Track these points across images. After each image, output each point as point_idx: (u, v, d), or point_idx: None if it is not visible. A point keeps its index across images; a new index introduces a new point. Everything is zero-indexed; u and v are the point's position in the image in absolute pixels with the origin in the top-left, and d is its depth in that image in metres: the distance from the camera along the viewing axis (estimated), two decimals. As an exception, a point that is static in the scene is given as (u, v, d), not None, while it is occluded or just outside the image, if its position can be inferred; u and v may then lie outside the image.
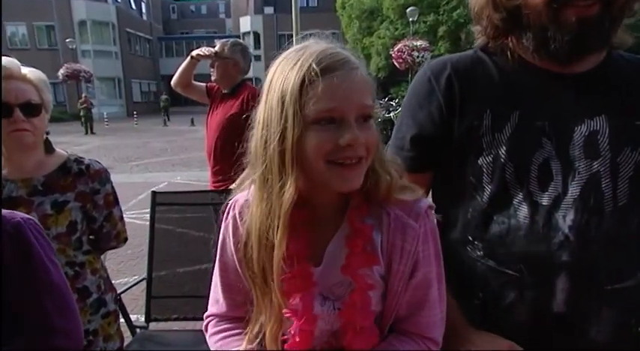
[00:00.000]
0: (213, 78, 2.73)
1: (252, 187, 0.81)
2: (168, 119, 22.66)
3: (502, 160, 0.87)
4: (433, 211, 0.84)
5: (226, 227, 0.87)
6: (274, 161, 0.75)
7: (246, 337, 0.85)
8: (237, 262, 0.85)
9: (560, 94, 0.88)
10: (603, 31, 0.82)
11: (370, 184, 0.79)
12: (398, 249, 0.79)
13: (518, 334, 0.87)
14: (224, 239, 0.88)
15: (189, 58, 2.75)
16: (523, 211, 0.86)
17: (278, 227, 0.76)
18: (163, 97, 24.57)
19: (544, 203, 0.84)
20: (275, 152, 0.75)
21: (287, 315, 0.80)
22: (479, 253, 0.90)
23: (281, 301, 0.79)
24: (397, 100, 11.45)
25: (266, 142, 0.76)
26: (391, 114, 8.16)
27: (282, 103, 0.73)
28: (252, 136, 0.79)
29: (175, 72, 2.86)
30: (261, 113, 0.77)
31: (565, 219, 0.83)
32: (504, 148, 0.87)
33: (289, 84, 0.73)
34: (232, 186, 0.89)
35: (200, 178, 7.55)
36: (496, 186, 0.87)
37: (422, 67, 1.03)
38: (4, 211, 0.91)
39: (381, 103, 10.69)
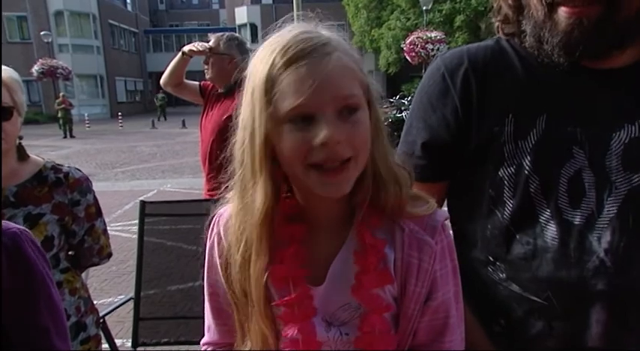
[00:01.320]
0: (207, 76, 2.75)
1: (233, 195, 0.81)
2: (165, 119, 22.95)
3: (526, 171, 0.84)
4: (449, 223, 0.83)
5: (211, 245, 0.86)
6: (247, 165, 0.75)
7: None
8: (224, 284, 0.84)
9: (595, 94, 0.84)
10: (607, 35, 0.78)
11: (375, 193, 0.76)
12: (414, 268, 0.77)
13: None
14: (210, 259, 0.87)
15: (180, 54, 2.77)
16: (551, 230, 0.83)
17: (252, 240, 0.75)
18: (160, 95, 25.05)
19: (576, 222, 0.81)
20: (247, 155, 0.75)
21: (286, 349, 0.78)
22: (501, 275, 0.88)
23: (265, 329, 0.78)
24: (409, 98, 11.46)
25: (242, 143, 0.76)
26: (403, 114, 8.17)
27: (252, 102, 0.73)
28: (234, 138, 0.80)
29: (164, 68, 2.88)
30: (240, 111, 0.78)
31: (600, 241, 0.80)
32: (529, 158, 0.83)
33: (255, 81, 0.72)
34: (229, 195, 0.88)
35: (193, 185, 7.58)
36: (519, 201, 0.85)
37: (434, 60, 0.99)
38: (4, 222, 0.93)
39: (391, 102, 10.70)
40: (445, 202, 1.04)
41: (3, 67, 1.28)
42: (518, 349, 0.88)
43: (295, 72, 0.68)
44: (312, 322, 0.78)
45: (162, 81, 2.90)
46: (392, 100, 11.06)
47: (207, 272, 0.88)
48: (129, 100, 35.12)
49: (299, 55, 0.69)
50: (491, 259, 0.90)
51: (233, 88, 2.70)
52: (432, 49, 14.97)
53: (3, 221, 0.93)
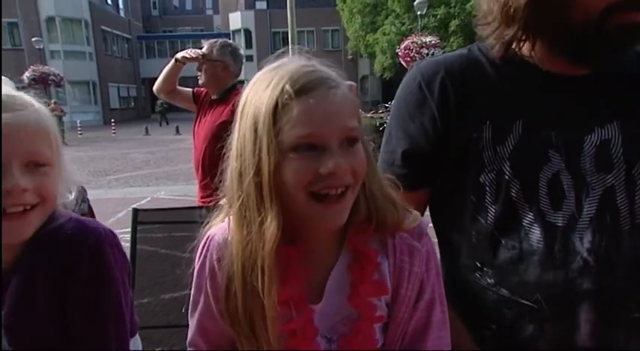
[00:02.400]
0: (200, 82, 2.76)
1: (231, 223, 0.80)
2: (167, 123, 23.16)
3: (507, 176, 0.86)
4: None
5: (201, 268, 0.85)
6: (251, 196, 0.75)
7: None
8: (217, 313, 0.83)
9: (566, 99, 0.87)
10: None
11: (374, 214, 0.79)
12: (406, 273, 0.80)
13: None
14: (199, 281, 0.86)
15: (173, 60, 2.78)
16: (535, 233, 0.85)
17: (263, 271, 0.75)
18: (159, 101, 25.20)
19: (559, 224, 0.83)
20: (251, 186, 0.74)
21: None
22: (489, 280, 0.90)
23: (273, 344, 0.77)
24: (405, 103, 11.52)
25: (241, 175, 0.76)
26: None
27: (255, 130, 0.73)
28: (227, 167, 0.80)
29: (157, 74, 2.89)
30: (234, 142, 0.78)
31: (582, 241, 0.82)
32: (508, 163, 0.86)
33: (261, 109, 0.73)
34: (222, 202, 0.88)
35: (187, 192, 7.56)
36: (502, 206, 0.87)
37: (410, 70, 1.01)
38: (84, 219, 0.93)
39: (386, 107, 10.75)
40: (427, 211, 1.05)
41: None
42: None
43: (305, 102, 0.71)
44: (315, 342, 0.80)
45: (155, 88, 2.91)
46: (387, 105, 11.11)
47: (195, 292, 0.87)
48: (122, 107, 35.11)
49: (309, 86, 0.72)
50: (478, 265, 0.91)
51: (226, 95, 2.72)
52: (427, 54, 15.07)
53: (91, 220, 0.94)
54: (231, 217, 0.80)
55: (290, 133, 0.71)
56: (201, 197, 2.72)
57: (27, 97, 0.87)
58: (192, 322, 0.90)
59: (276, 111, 0.72)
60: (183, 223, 2.31)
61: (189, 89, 2.93)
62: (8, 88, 0.87)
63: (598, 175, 0.83)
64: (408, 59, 15.53)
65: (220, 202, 0.89)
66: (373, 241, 0.81)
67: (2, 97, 0.81)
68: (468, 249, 0.93)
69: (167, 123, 24.10)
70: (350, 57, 30.86)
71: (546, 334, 0.85)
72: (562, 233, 0.83)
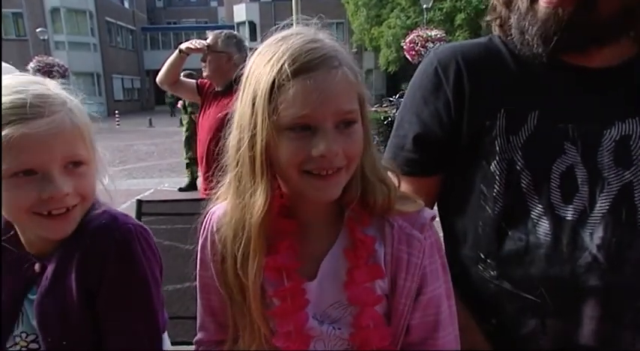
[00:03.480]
0: (205, 74, 2.75)
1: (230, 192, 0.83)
2: (174, 114, 23.35)
3: (518, 166, 0.85)
4: (438, 220, 0.86)
5: (204, 242, 0.88)
6: (245, 166, 0.78)
7: None
8: (215, 279, 0.86)
9: (587, 92, 0.85)
10: (583, 29, 0.80)
11: (364, 194, 0.80)
12: (403, 263, 0.80)
13: None
14: (202, 256, 0.89)
15: (177, 51, 2.78)
16: (543, 226, 0.84)
17: (248, 240, 0.78)
18: (169, 93, 24.94)
19: (568, 218, 0.82)
20: (246, 156, 0.77)
21: (278, 343, 0.80)
22: (492, 272, 0.89)
23: (259, 323, 0.80)
24: (410, 97, 11.46)
25: (239, 144, 0.78)
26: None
27: (253, 105, 0.75)
28: (230, 134, 0.82)
29: (161, 66, 2.88)
30: (237, 110, 0.80)
31: (593, 237, 0.81)
32: (520, 153, 0.85)
33: (260, 85, 0.74)
34: (218, 195, 0.90)
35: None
36: (511, 196, 0.86)
37: (427, 56, 1.00)
38: (117, 213, 0.94)
39: (391, 100, 10.71)
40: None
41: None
42: (511, 349, 0.89)
43: (303, 82, 0.71)
44: (304, 313, 0.80)
45: (158, 79, 2.91)
46: (392, 98, 11.07)
47: (200, 269, 0.90)
48: (126, 99, 35.10)
49: (308, 66, 0.71)
50: (481, 256, 0.90)
51: (231, 87, 2.70)
52: (433, 48, 14.94)
53: (123, 214, 0.94)
54: (230, 183, 0.82)
55: (285, 113, 0.72)
56: (205, 189, 2.72)
57: (59, 96, 0.85)
58: (200, 302, 0.92)
59: (273, 89, 0.72)
60: (187, 214, 2.31)
61: (193, 80, 2.92)
62: (45, 87, 0.85)
63: (616, 171, 0.82)
64: (413, 53, 15.44)
65: (220, 192, 0.90)
66: (370, 228, 0.81)
67: (34, 98, 0.81)
68: (473, 239, 0.92)
69: (173, 114, 24.28)
70: (354, 50, 30.70)
71: (548, 329, 0.84)
72: (571, 227, 0.82)
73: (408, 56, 16.10)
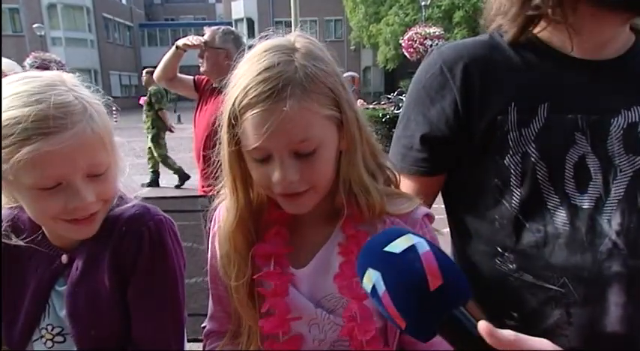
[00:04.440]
0: (202, 70, 2.74)
1: None
2: (175, 111, 23.38)
3: (533, 158, 0.85)
4: (431, 221, 0.87)
5: (213, 235, 0.92)
6: (227, 181, 0.84)
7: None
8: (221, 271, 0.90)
9: (591, 83, 0.87)
10: None
11: (351, 199, 0.82)
12: None
13: None
14: (212, 248, 0.92)
15: (174, 47, 2.76)
16: (561, 216, 0.84)
17: (229, 239, 0.84)
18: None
19: (584, 206, 0.83)
20: (225, 169, 0.83)
21: (260, 324, 0.83)
22: (511, 266, 0.89)
23: (244, 309, 0.85)
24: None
25: (221, 156, 0.84)
26: (401, 110, 8.15)
27: (221, 128, 0.80)
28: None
29: (158, 63, 2.88)
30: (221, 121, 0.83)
31: (611, 224, 0.82)
32: (534, 145, 0.85)
33: (224, 112, 0.78)
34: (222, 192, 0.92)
35: (189, 182, 7.56)
36: (527, 189, 0.86)
37: (430, 54, 1.00)
38: (148, 205, 0.95)
39: (389, 98, 10.71)
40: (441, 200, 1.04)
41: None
42: None
43: (253, 116, 0.73)
44: (287, 297, 0.83)
45: (155, 75, 2.90)
46: (390, 96, 11.07)
47: (210, 260, 0.94)
48: (123, 95, 34.97)
49: (257, 100, 0.72)
50: (499, 250, 0.90)
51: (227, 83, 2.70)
52: (431, 45, 14.93)
53: (153, 207, 0.96)
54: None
55: (243, 143, 0.77)
56: (203, 186, 2.72)
57: (80, 101, 0.83)
58: (210, 292, 0.96)
59: (230, 123, 0.76)
60: (185, 212, 2.32)
61: (190, 77, 2.91)
62: (65, 89, 0.82)
63: (627, 157, 0.83)
64: (412, 50, 15.43)
65: (222, 191, 0.92)
66: (364, 225, 0.83)
67: (56, 108, 0.79)
68: (489, 234, 0.92)
69: (175, 111, 24.32)
70: (353, 47, 30.69)
71: (574, 319, 0.84)
72: (588, 216, 0.83)
73: (406, 54, 16.08)
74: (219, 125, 0.84)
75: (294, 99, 0.72)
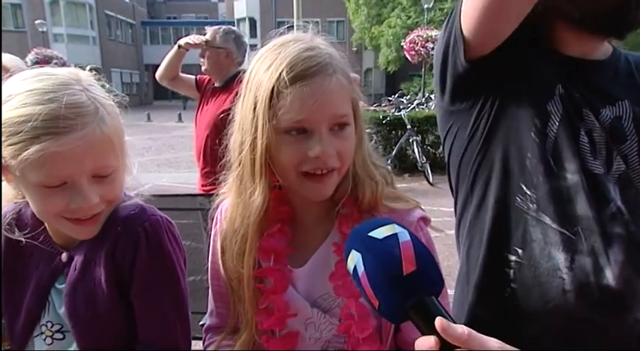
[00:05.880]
0: (203, 69, 2.75)
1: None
2: (184, 108, 23.23)
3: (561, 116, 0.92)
4: (426, 224, 0.89)
5: (215, 233, 0.94)
6: (246, 167, 0.84)
7: (236, 346, 0.90)
8: (222, 268, 0.92)
9: (584, 77, 0.95)
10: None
11: (354, 189, 0.84)
12: None
13: (554, 306, 0.89)
14: (214, 245, 0.94)
15: (176, 47, 2.78)
16: (581, 176, 0.90)
17: (245, 238, 0.84)
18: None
19: (596, 172, 0.90)
20: (247, 158, 0.83)
21: (258, 318, 0.85)
22: (531, 205, 0.93)
23: (248, 305, 0.85)
24: (409, 97, 11.49)
25: (241, 145, 0.84)
26: (402, 112, 8.16)
27: (254, 109, 0.80)
28: (232, 134, 0.86)
29: (160, 61, 2.89)
30: (238, 112, 0.84)
31: (616, 191, 0.89)
32: (562, 107, 0.92)
33: (260, 91, 0.79)
34: (223, 191, 0.94)
35: (188, 180, 7.55)
36: (561, 137, 0.91)
37: None
38: (144, 204, 0.95)
39: (390, 100, 10.72)
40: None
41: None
42: (532, 282, 0.92)
43: (299, 89, 0.76)
44: (285, 294, 0.85)
45: (157, 75, 2.91)
46: (390, 98, 11.08)
47: (211, 257, 0.95)
48: (125, 93, 34.45)
49: (304, 74, 0.76)
50: (523, 187, 0.94)
51: (230, 82, 2.71)
52: (433, 48, 14.95)
53: (150, 206, 0.95)
54: (233, 180, 0.88)
55: (283, 118, 0.77)
56: (203, 185, 2.72)
57: (93, 102, 0.83)
58: (210, 289, 0.97)
59: (272, 96, 0.77)
60: (185, 210, 2.32)
61: (192, 76, 2.92)
62: (79, 89, 0.82)
63: (613, 145, 0.92)
64: (413, 53, 15.42)
65: (223, 189, 0.94)
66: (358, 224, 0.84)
67: (67, 109, 0.79)
68: (518, 169, 0.95)
69: (184, 108, 24.16)
70: (354, 49, 30.70)
71: (575, 265, 0.88)
72: (600, 180, 0.89)
73: (407, 56, 16.08)
74: (228, 123, 0.86)
75: (336, 76, 0.79)
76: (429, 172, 7.35)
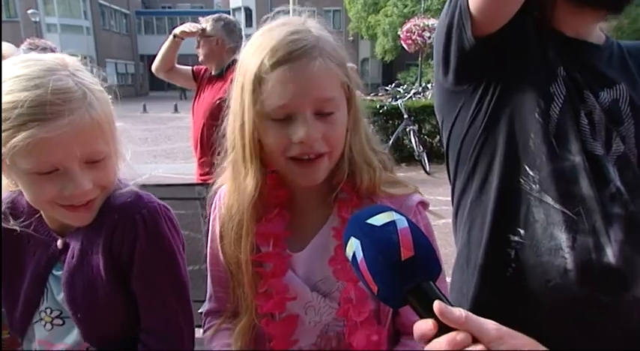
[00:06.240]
0: (200, 59, 2.75)
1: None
2: (185, 97, 23.04)
3: (564, 98, 0.94)
4: (425, 209, 0.89)
5: (214, 218, 0.94)
6: (239, 151, 0.84)
7: (236, 330, 0.91)
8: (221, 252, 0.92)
9: (583, 59, 0.97)
10: None
11: (351, 175, 0.84)
12: None
13: (555, 285, 0.91)
14: (213, 230, 0.94)
15: (171, 36, 2.76)
16: (583, 154, 0.91)
17: (241, 223, 0.84)
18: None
19: (596, 152, 0.92)
20: (239, 142, 0.83)
21: (257, 302, 0.86)
22: (534, 186, 0.94)
23: (250, 294, 0.86)
24: (405, 86, 11.45)
25: (233, 130, 0.85)
26: (399, 101, 8.14)
27: (241, 94, 0.80)
28: (227, 121, 0.87)
29: (156, 51, 2.88)
30: (231, 98, 0.85)
31: (615, 172, 0.91)
32: (566, 89, 0.93)
33: (245, 76, 0.79)
34: (223, 175, 0.93)
35: (185, 171, 7.54)
36: (564, 119, 0.93)
37: None
38: (141, 193, 0.95)
39: (386, 90, 10.68)
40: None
41: None
42: (534, 262, 0.93)
43: (281, 74, 0.75)
44: (284, 277, 0.85)
45: (153, 67, 2.89)
46: (387, 88, 11.03)
47: (210, 243, 0.96)
48: (120, 83, 34.71)
49: (285, 58, 0.75)
50: (526, 168, 0.95)
51: (225, 71, 2.70)
52: (429, 37, 14.90)
53: (146, 193, 0.95)
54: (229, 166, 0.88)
55: (267, 103, 0.77)
56: (200, 175, 2.73)
57: (80, 87, 0.82)
58: (209, 273, 0.98)
59: (255, 81, 0.77)
60: (182, 199, 2.32)
61: (189, 67, 2.91)
62: (66, 74, 0.81)
63: (613, 126, 0.94)
64: (410, 42, 15.36)
65: (221, 176, 0.94)
66: (358, 209, 0.84)
67: (54, 94, 0.78)
68: (521, 150, 0.96)
69: (185, 97, 23.89)
70: (351, 38, 30.52)
71: (577, 245, 0.90)
72: (599, 161, 0.91)
73: (404, 45, 16.02)
74: (224, 109, 0.86)
75: (320, 59, 0.77)
76: (426, 161, 7.35)
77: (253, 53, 0.79)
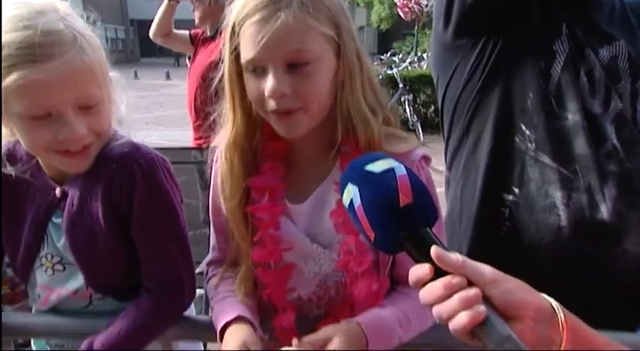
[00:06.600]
0: (196, 22, 2.71)
1: None
2: (179, 64, 22.65)
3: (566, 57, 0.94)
4: (428, 163, 0.90)
5: (215, 170, 0.96)
6: (227, 99, 0.86)
7: (237, 277, 0.93)
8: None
9: (585, 14, 0.96)
10: None
11: (349, 131, 0.84)
12: None
13: (548, 241, 0.93)
14: (215, 181, 0.96)
15: (166, 1, 2.71)
16: (581, 114, 0.92)
17: (228, 163, 0.87)
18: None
19: (594, 111, 0.93)
20: (227, 87, 0.85)
21: (252, 252, 0.88)
22: (530, 145, 0.95)
23: (240, 240, 0.88)
24: (401, 56, 11.32)
25: (221, 78, 0.87)
26: (394, 70, 8.07)
27: (224, 46, 0.82)
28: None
29: (147, 16, 2.85)
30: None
31: (612, 130, 0.92)
32: (569, 46, 0.94)
33: (226, 29, 0.80)
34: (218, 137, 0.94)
35: (180, 138, 7.47)
36: (564, 77, 0.93)
37: None
38: (138, 143, 0.95)
39: (382, 59, 10.57)
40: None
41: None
42: (528, 220, 0.96)
43: (249, 27, 0.76)
44: (283, 230, 0.87)
45: (151, 33, 2.86)
46: (382, 57, 10.92)
47: (212, 194, 0.97)
48: (110, 49, 33.39)
49: (255, 10, 0.75)
50: (522, 127, 0.96)
51: (219, 31, 2.65)
52: (427, 5, 14.66)
53: (142, 145, 0.95)
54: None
55: (242, 55, 0.79)
56: (195, 139, 2.72)
57: (70, 30, 0.81)
58: (212, 224, 1.00)
59: (231, 32, 0.79)
60: (178, 163, 2.32)
61: (186, 32, 2.87)
62: (55, 17, 0.81)
63: (612, 84, 0.94)
64: (407, 10, 15.12)
65: (213, 144, 0.95)
66: None
67: (43, 36, 0.78)
68: (518, 109, 0.96)
69: (178, 64, 23.46)
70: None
71: (572, 202, 0.93)
72: (597, 119, 0.92)
73: (401, 14, 15.76)
74: (213, 68, 0.87)
75: (290, 9, 0.75)
76: (420, 130, 7.35)
77: (234, 6, 0.80)
